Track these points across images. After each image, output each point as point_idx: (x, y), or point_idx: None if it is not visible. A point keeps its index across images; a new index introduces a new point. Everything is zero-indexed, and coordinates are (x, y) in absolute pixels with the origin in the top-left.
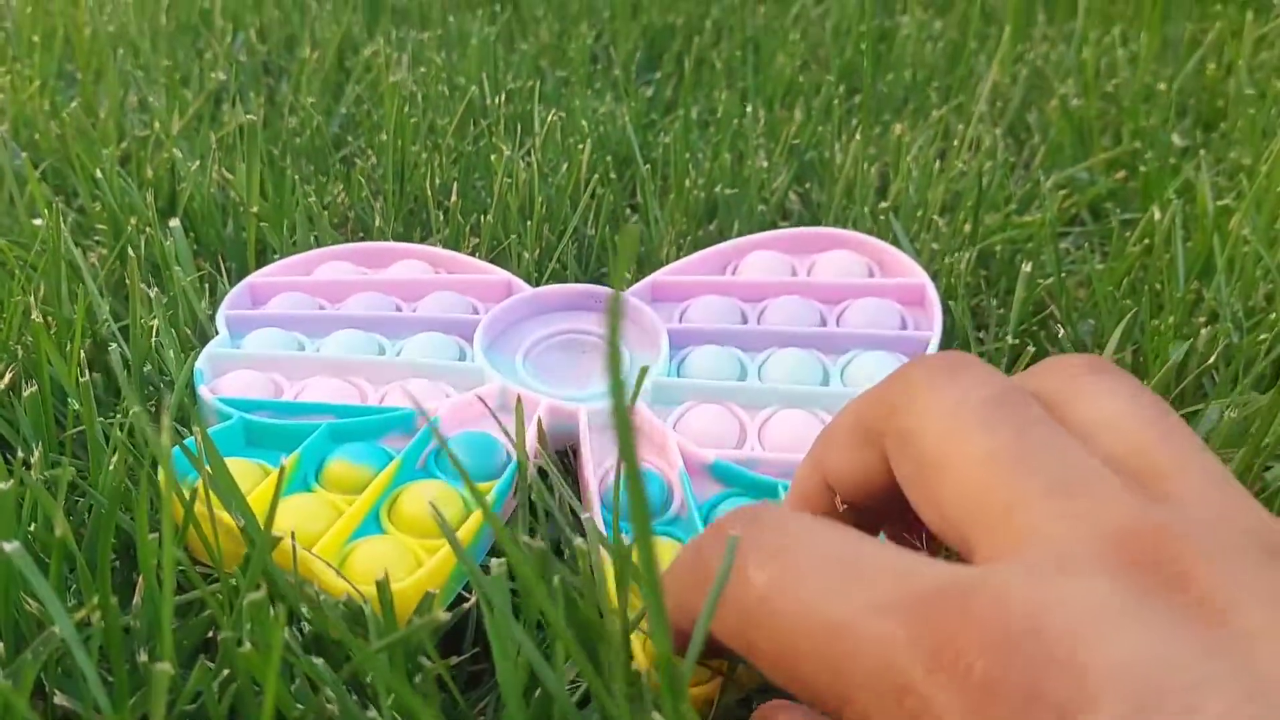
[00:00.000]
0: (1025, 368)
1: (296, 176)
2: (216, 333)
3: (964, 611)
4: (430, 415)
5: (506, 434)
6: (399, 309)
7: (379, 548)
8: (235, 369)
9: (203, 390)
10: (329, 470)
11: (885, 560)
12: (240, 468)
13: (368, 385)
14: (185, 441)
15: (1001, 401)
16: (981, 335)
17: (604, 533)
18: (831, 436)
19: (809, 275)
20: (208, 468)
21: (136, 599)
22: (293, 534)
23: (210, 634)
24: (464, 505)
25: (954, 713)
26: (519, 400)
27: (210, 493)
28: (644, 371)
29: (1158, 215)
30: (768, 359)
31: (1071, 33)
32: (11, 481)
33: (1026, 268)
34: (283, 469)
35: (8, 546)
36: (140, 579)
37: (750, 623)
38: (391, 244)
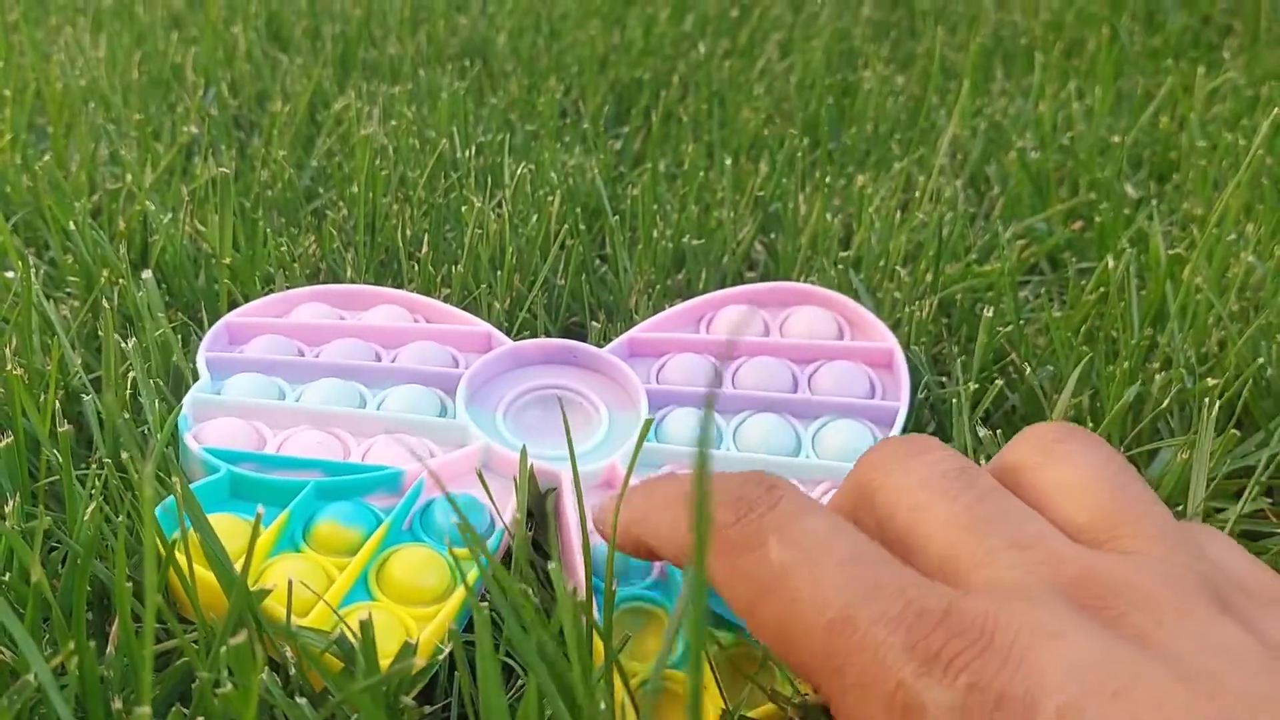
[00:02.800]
0: (988, 405)
1: (268, 229)
2: (196, 376)
3: (949, 629)
4: (419, 476)
5: (493, 498)
6: (378, 357)
7: (372, 617)
8: (218, 415)
9: (188, 439)
10: (318, 530)
11: (893, 576)
12: (230, 524)
13: (350, 438)
14: (172, 496)
15: (959, 475)
16: (944, 380)
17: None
18: (661, 546)
19: (781, 331)
20: (191, 527)
21: (110, 649)
22: (289, 595)
23: (187, 685)
24: (451, 571)
25: (941, 707)
26: (529, 467)
27: (193, 548)
28: (647, 423)
29: (1112, 264)
30: (743, 423)
31: (1028, 88)
32: None
33: (988, 313)
34: (258, 518)
35: None
36: (115, 628)
37: (763, 594)
38: (369, 288)
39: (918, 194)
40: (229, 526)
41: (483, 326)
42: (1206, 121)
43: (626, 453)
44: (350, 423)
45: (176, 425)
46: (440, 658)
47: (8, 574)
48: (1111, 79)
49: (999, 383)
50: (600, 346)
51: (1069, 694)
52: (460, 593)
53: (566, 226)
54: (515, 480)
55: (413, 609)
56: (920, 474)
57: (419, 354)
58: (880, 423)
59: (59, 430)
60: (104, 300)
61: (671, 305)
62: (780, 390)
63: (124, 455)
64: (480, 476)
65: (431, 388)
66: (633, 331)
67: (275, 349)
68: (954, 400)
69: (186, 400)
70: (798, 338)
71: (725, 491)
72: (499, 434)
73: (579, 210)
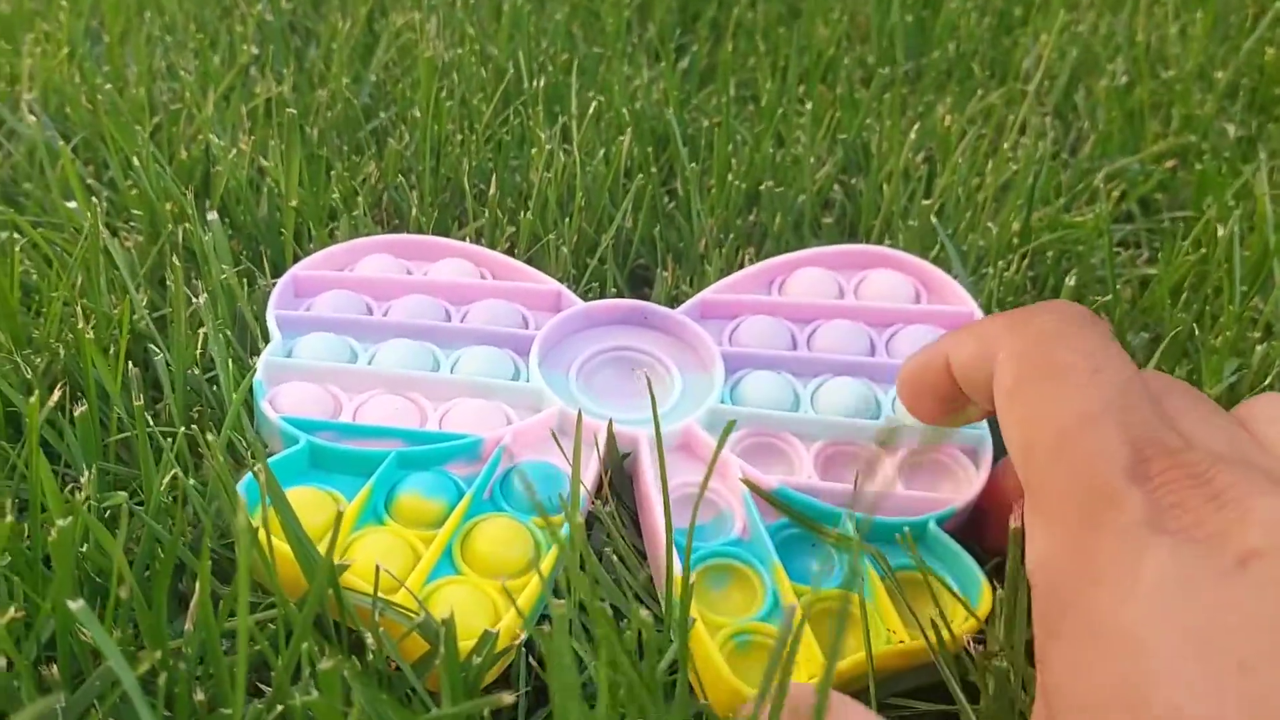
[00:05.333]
0: None
1: (334, 160)
2: (262, 327)
3: (1175, 462)
4: (498, 444)
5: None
6: (448, 314)
7: (457, 594)
8: (291, 379)
9: (265, 407)
10: (400, 503)
11: (1151, 410)
12: (312, 498)
13: (426, 402)
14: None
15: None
16: None
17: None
18: (963, 344)
19: (855, 294)
20: (273, 508)
21: (188, 626)
22: (375, 578)
23: (265, 668)
24: (533, 541)
25: (1138, 508)
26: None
27: (274, 527)
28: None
29: (1220, 231)
30: (820, 386)
31: (1121, 2)
32: (71, 519)
33: (1071, 281)
34: (339, 517)
35: (73, 605)
36: (193, 606)
37: (1038, 377)
38: (435, 239)
39: (1007, 127)
40: (311, 499)
41: (552, 285)
42: None
43: (702, 414)
44: (426, 386)
45: (250, 390)
46: (518, 642)
47: (85, 545)
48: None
49: None
50: (668, 295)
51: (1269, 539)
52: (549, 560)
53: (635, 162)
54: (596, 445)
55: (498, 581)
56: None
57: (489, 313)
58: None
59: (137, 404)
60: (172, 256)
61: (744, 253)
62: (858, 354)
63: (195, 412)
64: (557, 441)
65: (504, 349)
66: (705, 293)
67: (344, 305)
68: None
69: (260, 364)
70: (874, 300)
71: (1058, 303)
72: (571, 396)
73: (649, 150)
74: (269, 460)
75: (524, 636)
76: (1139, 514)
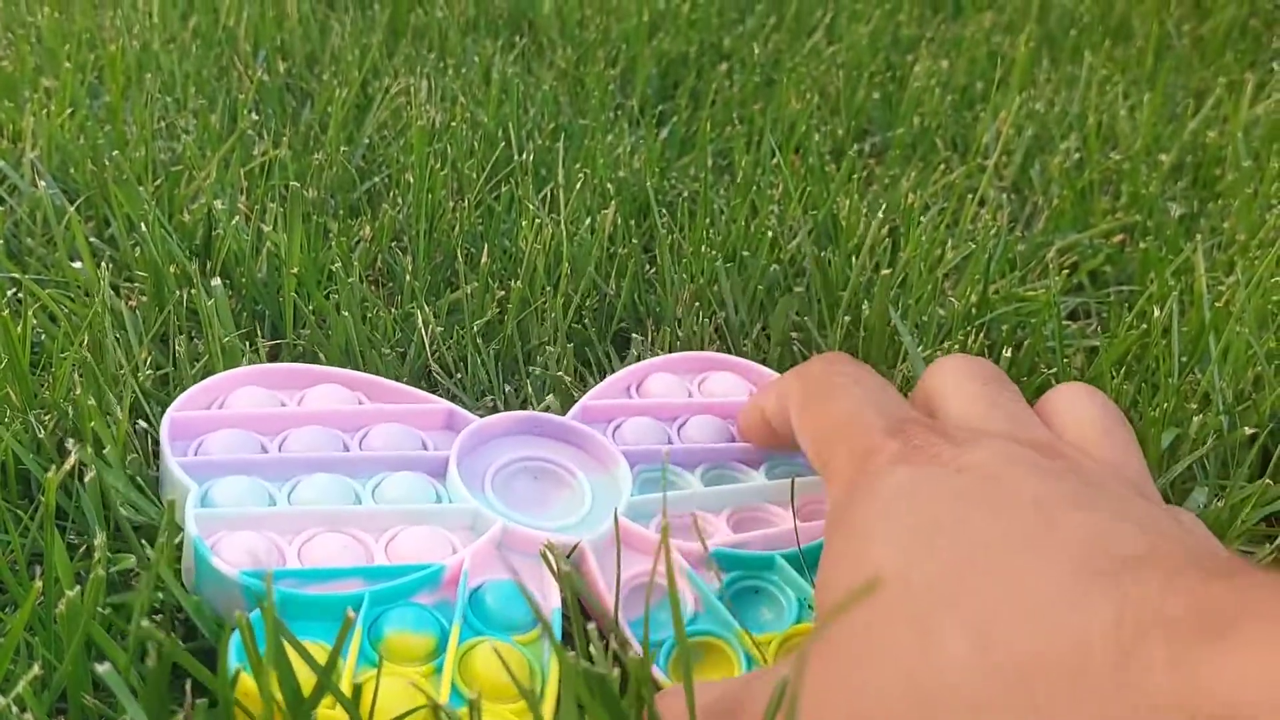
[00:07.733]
0: None
1: (330, 224)
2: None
3: (926, 427)
4: (461, 568)
5: (557, 576)
6: (344, 444)
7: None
8: (223, 530)
9: (219, 564)
10: (390, 641)
11: (897, 402)
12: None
13: (365, 535)
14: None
15: (996, 376)
16: None
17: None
18: (769, 398)
19: (700, 392)
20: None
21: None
22: None
23: None
24: (529, 662)
25: (892, 451)
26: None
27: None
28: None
29: (1157, 313)
30: (705, 472)
31: (1074, 77)
32: (78, 590)
33: (1006, 353)
34: (357, 689)
35: (100, 668)
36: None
37: (814, 397)
38: (304, 366)
39: (966, 200)
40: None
41: (442, 404)
42: (1250, 125)
43: (624, 508)
44: (363, 520)
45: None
46: None
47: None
48: (1160, 82)
49: None
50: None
51: (986, 455)
52: (550, 693)
53: (619, 230)
54: (549, 567)
55: (503, 705)
56: (966, 370)
57: (389, 438)
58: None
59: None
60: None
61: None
62: (723, 441)
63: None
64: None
65: (417, 472)
66: (585, 399)
67: (239, 445)
68: None
69: (189, 520)
70: (719, 397)
71: (828, 353)
72: (497, 511)
73: (631, 222)
74: (250, 620)
75: None
76: (892, 455)
